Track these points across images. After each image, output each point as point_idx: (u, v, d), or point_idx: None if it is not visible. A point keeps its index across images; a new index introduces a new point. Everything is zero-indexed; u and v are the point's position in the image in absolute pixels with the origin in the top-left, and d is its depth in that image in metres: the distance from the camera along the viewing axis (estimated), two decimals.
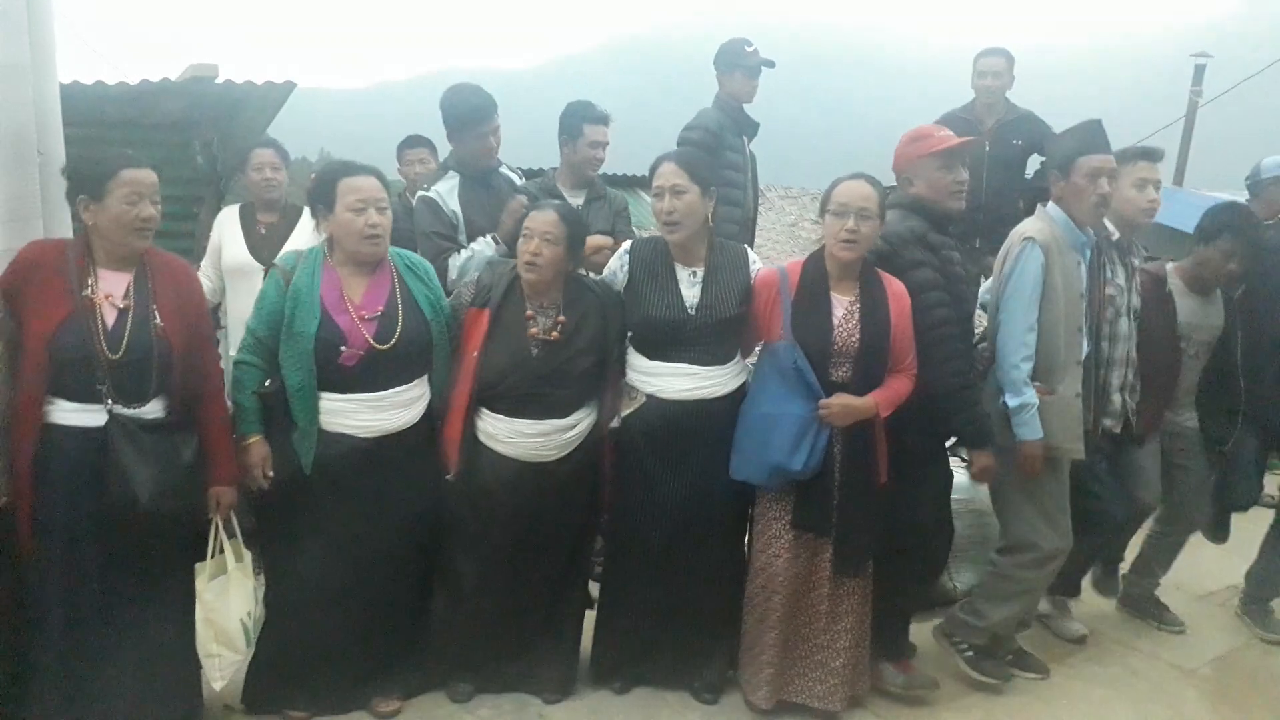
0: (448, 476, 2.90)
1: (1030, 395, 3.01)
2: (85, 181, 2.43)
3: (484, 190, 3.56)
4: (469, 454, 2.89)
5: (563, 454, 2.93)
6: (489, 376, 2.87)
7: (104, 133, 5.17)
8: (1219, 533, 3.89)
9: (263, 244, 3.80)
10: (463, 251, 3.43)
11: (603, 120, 3.75)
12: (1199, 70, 13.64)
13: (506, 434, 2.88)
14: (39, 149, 2.80)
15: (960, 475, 3.32)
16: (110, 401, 2.40)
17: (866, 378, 2.86)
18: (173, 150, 5.34)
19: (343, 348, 2.69)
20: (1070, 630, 3.71)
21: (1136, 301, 3.39)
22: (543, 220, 2.87)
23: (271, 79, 5.33)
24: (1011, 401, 3.01)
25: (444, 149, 3.80)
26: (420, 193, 3.57)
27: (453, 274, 3.37)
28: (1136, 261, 3.43)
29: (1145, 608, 3.88)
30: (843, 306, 2.87)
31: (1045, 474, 3.08)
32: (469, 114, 3.50)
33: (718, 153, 4.10)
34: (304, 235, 3.81)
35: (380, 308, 2.76)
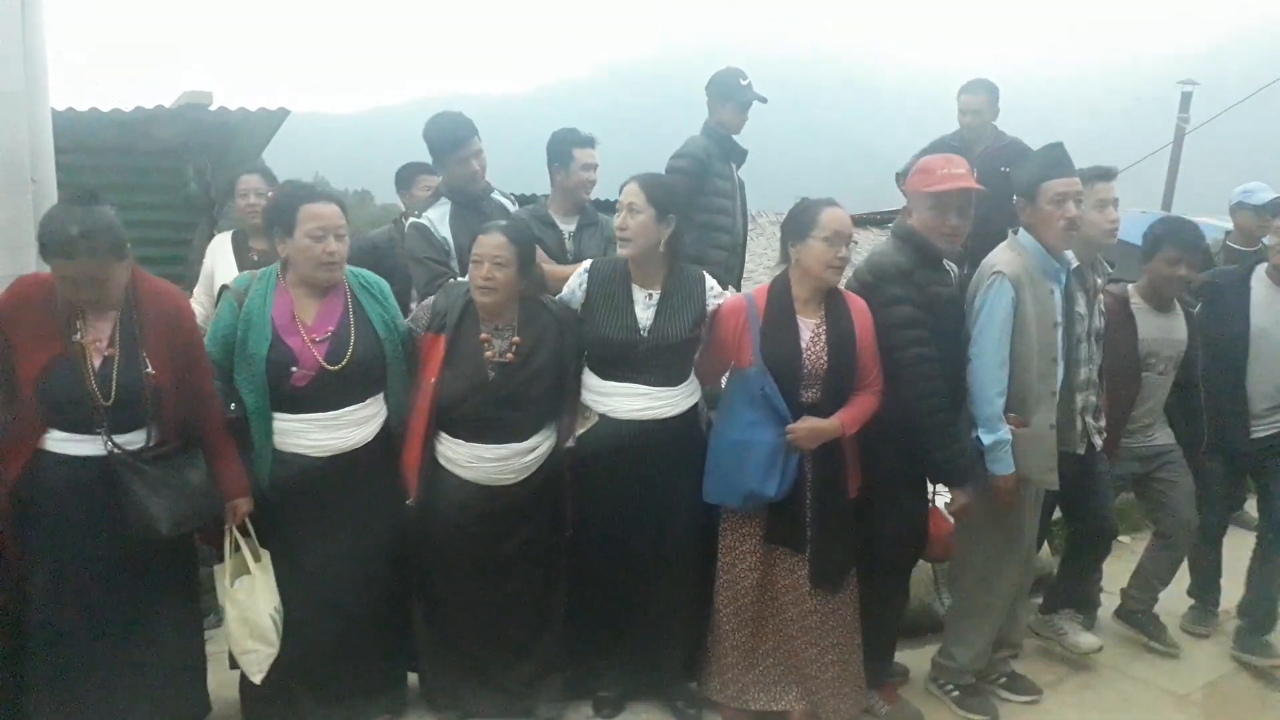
0: (407, 502, 2.90)
1: (1004, 432, 2.99)
2: (47, 246, 2.34)
3: (476, 216, 3.57)
4: (429, 478, 2.90)
5: (522, 477, 2.94)
6: (447, 401, 2.87)
7: (98, 159, 5.20)
8: (1209, 542, 3.89)
9: (256, 270, 3.80)
10: (459, 279, 3.42)
11: (590, 143, 3.79)
12: (1185, 97, 13.82)
13: (466, 459, 2.89)
14: (32, 176, 2.83)
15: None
16: (107, 437, 2.42)
17: (835, 398, 2.91)
18: (166, 177, 5.38)
19: (293, 369, 2.70)
20: (1082, 644, 3.61)
21: (1100, 323, 3.36)
22: (490, 244, 2.85)
23: (265, 105, 5.38)
24: (986, 439, 2.99)
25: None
26: (412, 219, 3.59)
27: None
28: (1100, 281, 3.42)
29: (1142, 624, 3.86)
30: (809, 329, 2.91)
31: (1012, 504, 3.10)
32: (448, 140, 3.55)
33: (705, 180, 4.13)
34: None
35: (331, 328, 2.77)
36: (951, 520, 3.17)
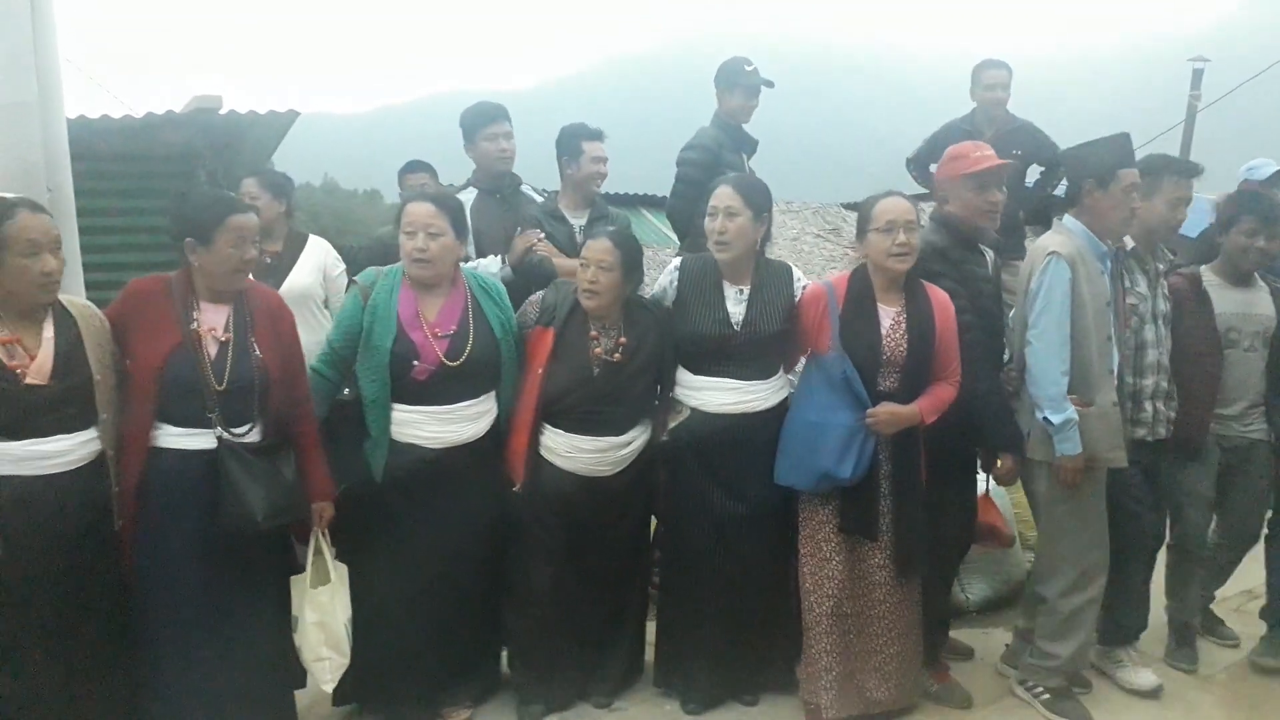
0: (514, 489, 2.99)
1: (1071, 411, 2.98)
2: (194, 227, 2.54)
3: (499, 205, 3.71)
4: (532, 467, 3.00)
5: (618, 469, 3.04)
6: (552, 393, 2.97)
7: (110, 166, 5.24)
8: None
9: (268, 273, 3.82)
10: (468, 264, 3.52)
11: (599, 136, 3.83)
12: (1197, 74, 13.65)
13: (566, 449, 2.99)
14: (48, 185, 2.85)
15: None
16: (219, 427, 2.51)
17: (912, 386, 2.94)
18: (178, 181, 5.41)
19: (415, 362, 2.81)
20: (1138, 682, 3.37)
21: (1164, 307, 3.34)
22: (597, 249, 2.96)
23: (274, 108, 5.39)
24: (1055, 418, 2.96)
25: (445, 173, 3.90)
26: None
27: None
28: (1161, 267, 3.41)
29: (1202, 622, 3.82)
30: (890, 317, 2.95)
31: (1085, 486, 3.06)
32: (478, 117, 3.75)
33: (716, 171, 4.13)
34: (310, 262, 3.83)
35: (453, 326, 2.89)
36: (998, 506, 3.23)
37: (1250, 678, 3.54)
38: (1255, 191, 3.88)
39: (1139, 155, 3.40)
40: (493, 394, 2.99)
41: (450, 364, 2.84)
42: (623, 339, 3.00)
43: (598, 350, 2.98)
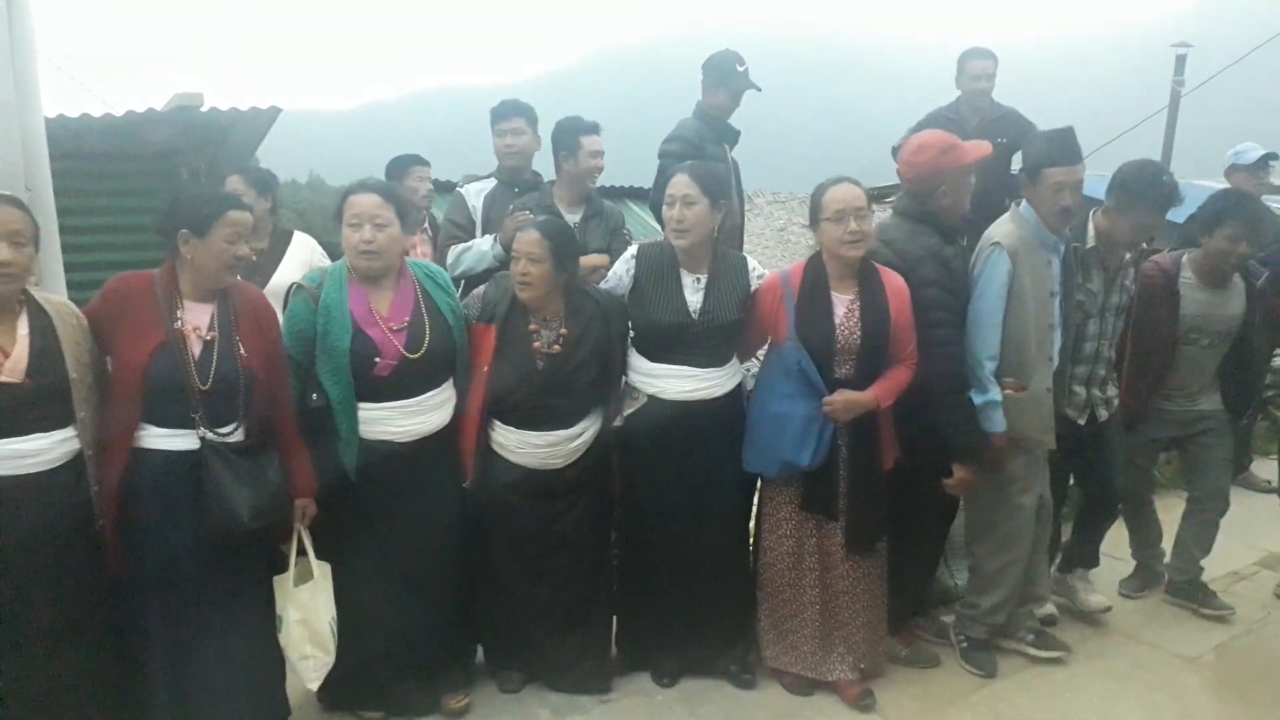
0: (464, 484, 3.01)
1: (995, 393, 3.10)
2: (191, 219, 2.51)
3: (515, 198, 3.81)
4: (483, 462, 3.02)
5: (570, 460, 3.05)
6: (498, 390, 2.97)
7: (91, 165, 5.19)
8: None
9: (254, 270, 3.80)
10: (464, 244, 3.69)
11: (595, 130, 3.83)
12: (1180, 60, 13.70)
13: (517, 444, 3.00)
14: (26, 185, 2.81)
15: None
16: (202, 427, 2.49)
17: (868, 372, 3.00)
18: (160, 179, 5.37)
19: (377, 359, 2.79)
20: (1092, 603, 3.73)
21: (1121, 299, 3.46)
22: (525, 241, 2.94)
23: (257, 104, 5.35)
24: (978, 399, 3.10)
25: (446, 168, 4.12)
26: (457, 189, 4.07)
27: (449, 259, 3.74)
28: (1128, 256, 3.45)
29: (1190, 593, 3.89)
30: (843, 305, 2.99)
31: (1014, 462, 3.23)
32: (493, 113, 4.02)
33: None
34: (295, 259, 3.81)
35: (407, 318, 2.87)
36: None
37: (1239, 659, 3.57)
38: (1244, 192, 3.90)
39: (1121, 140, 3.42)
40: (451, 381, 2.99)
41: (411, 356, 2.82)
42: (563, 330, 2.99)
43: (538, 344, 2.98)
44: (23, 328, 2.36)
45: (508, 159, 3.98)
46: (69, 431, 2.39)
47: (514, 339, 2.99)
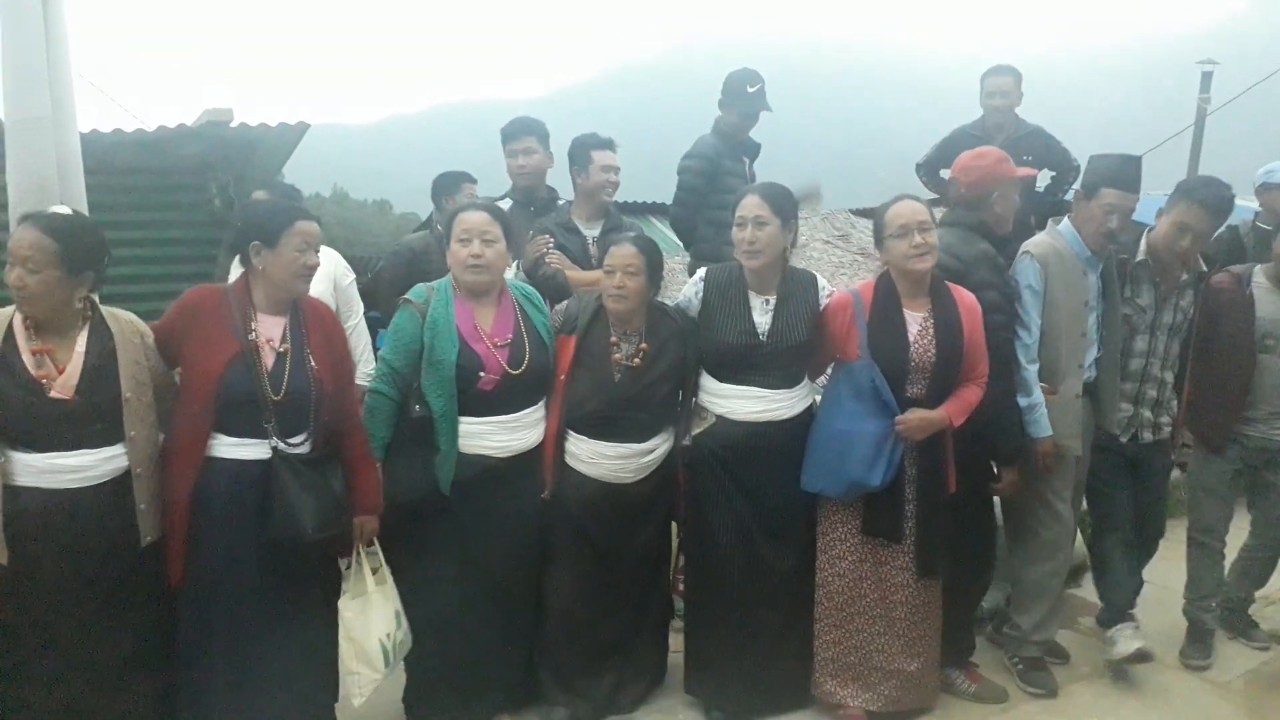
0: (542, 495, 3.03)
1: (1038, 395, 3.16)
2: (261, 230, 2.55)
3: (532, 218, 3.78)
4: (558, 474, 3.04)
5: (641, 476, 3.05)
6: (574, 399, 3.00)
7: (123, 180, 5.27)
8: None
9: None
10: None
11: (608, 145, 3.84)
12: (1206, 77, 13.60)
13: (589, 455, 3.01)
14: (61, 199, 2.87)
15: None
16: (275, 437, 2.52)
17: (940, 390, 2.98)
18: (190, 194, 5.44)
19: (481, 373, 2.84)
20: (1119, 649, 3.38)
21: (1176, 318, 3.40)
22: (622, 254, 2.98)
23: (285, 120, 5.42)
24: (1023, 401, 3.15)
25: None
26: None
27: None
28: (1185, 277, 3.40)
29: (1234, 623, 3.84)
30: (917, 323, 2.98)
31: (1054, 467, 3.24)
32: (505, 132, 3.96)
33: (717, 179, 4.14)
34: (320, 273, 3.82)
35: (509, 335, 2.93)
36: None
37: (1267, 685, 3.51)
38: None
39: (1146, 158, 3.40)
40: (545, 399, 3.03)
41: (513, 372, 2.87)
42: (643, 345, 3.02)
43: (618, 356, 3.00)
44: (80, 344, 2.39)
45: (521, 179, 3.97)
46: (117, 449, 2.40)
47: (594, 350, 3.02)
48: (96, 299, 2.49)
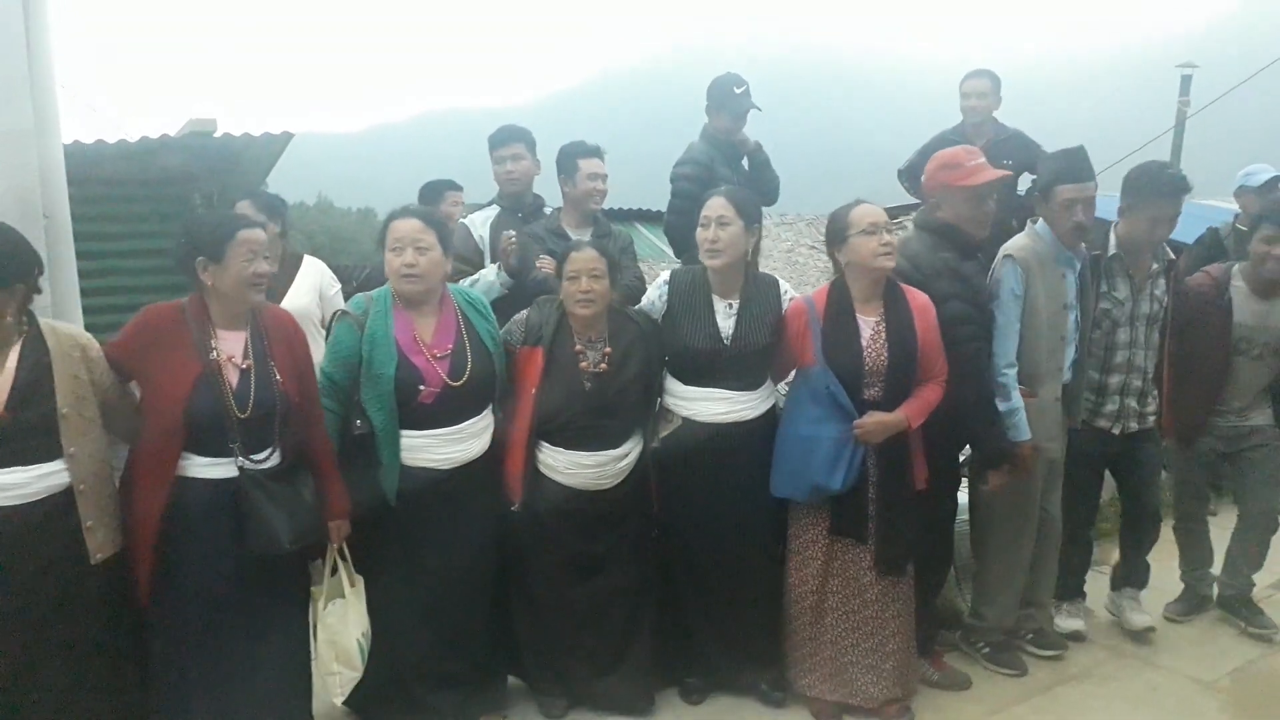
0: (513, 508, 3.02)
1: (1018, 400, 3.20)
2: (205, 245, 2.52)
3: (519, 225, 3.80)
4: (531, 485, 3.03)
5: (618, 481, 3.08)
6: (547, 411, 3.00)
7: (107, 191, 5.25)
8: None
9: (265, 295, 3.82)
10: (471, 276, 3.66)
11: (595, 153, 3.85)
12: (1185, 80, 13.72)
13: (566, 465, 3.02)
14: (44, 212, 2.85)
15: (961, 497, 3.53)
16: (240, 456, 2.50)
17: (897, 392, 3.00)
18: (174, 204, 5.42)
19: (421, 387, 2.82)
20: (1135, 622, 3.72)
21: (1152, 308, 3.47)
22: (584, 258, 3.00)
23: (269, 129, 5.41)
24: (1002, 406, 3.18)
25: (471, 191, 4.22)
26: (461, 220, 4.01)
27: None
28: (1155, 266, 3.46)
29: (1237, 610, 3.88)
30: (869, 327, 3.00)
31: (1031, 470, 3.30)
32: (492, 139, 4.00)
33: (711, 185, 4.14)
34: (306, 283, 3.84)
35: (450, 345, 2.90)
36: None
37: (1254, 684, 3.53)
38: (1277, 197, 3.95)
39: (1127, 160, 3.45)
40: (490, 408, 3.02)
41: (454, 384, 2.85)
42: (607, 349, 3.04)
43: (585, 364, 3.01)
44: (11, 360, 2.32)
45: (509, 185, 3.98)
46: (55, 465, 2.34)
47: (562, 360, 3.02)
48: (35, 312, 2.42)
